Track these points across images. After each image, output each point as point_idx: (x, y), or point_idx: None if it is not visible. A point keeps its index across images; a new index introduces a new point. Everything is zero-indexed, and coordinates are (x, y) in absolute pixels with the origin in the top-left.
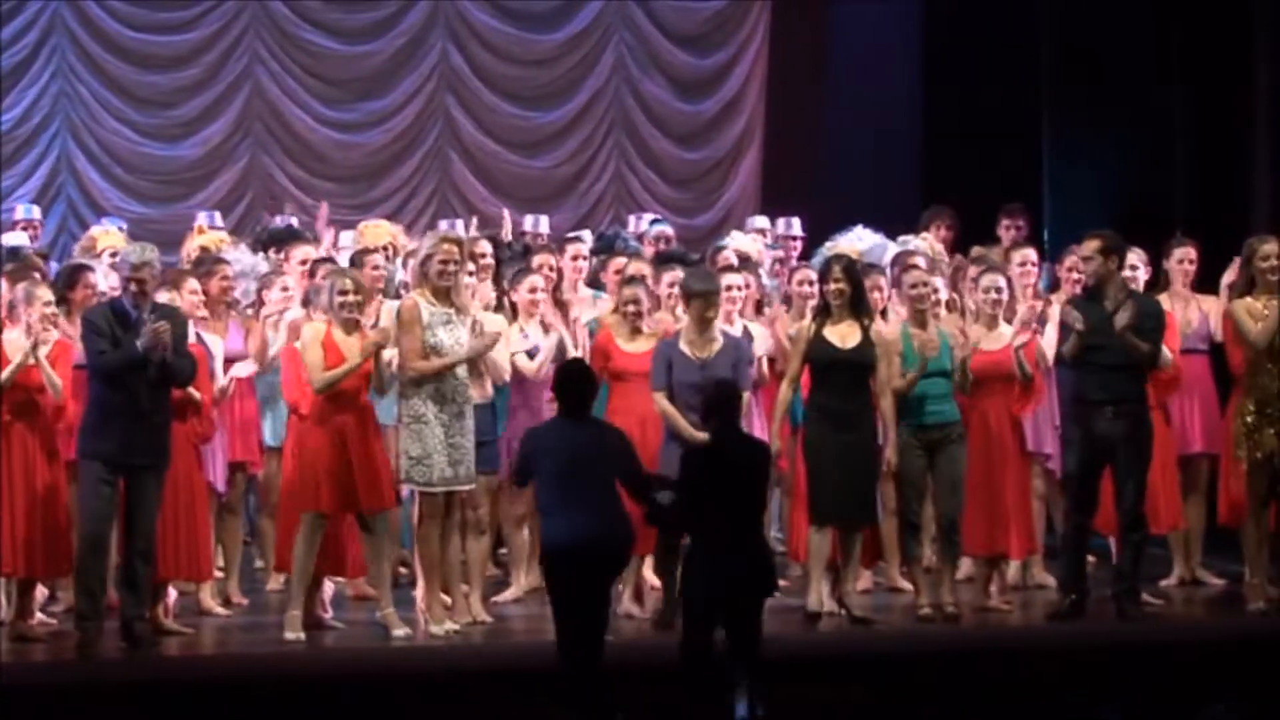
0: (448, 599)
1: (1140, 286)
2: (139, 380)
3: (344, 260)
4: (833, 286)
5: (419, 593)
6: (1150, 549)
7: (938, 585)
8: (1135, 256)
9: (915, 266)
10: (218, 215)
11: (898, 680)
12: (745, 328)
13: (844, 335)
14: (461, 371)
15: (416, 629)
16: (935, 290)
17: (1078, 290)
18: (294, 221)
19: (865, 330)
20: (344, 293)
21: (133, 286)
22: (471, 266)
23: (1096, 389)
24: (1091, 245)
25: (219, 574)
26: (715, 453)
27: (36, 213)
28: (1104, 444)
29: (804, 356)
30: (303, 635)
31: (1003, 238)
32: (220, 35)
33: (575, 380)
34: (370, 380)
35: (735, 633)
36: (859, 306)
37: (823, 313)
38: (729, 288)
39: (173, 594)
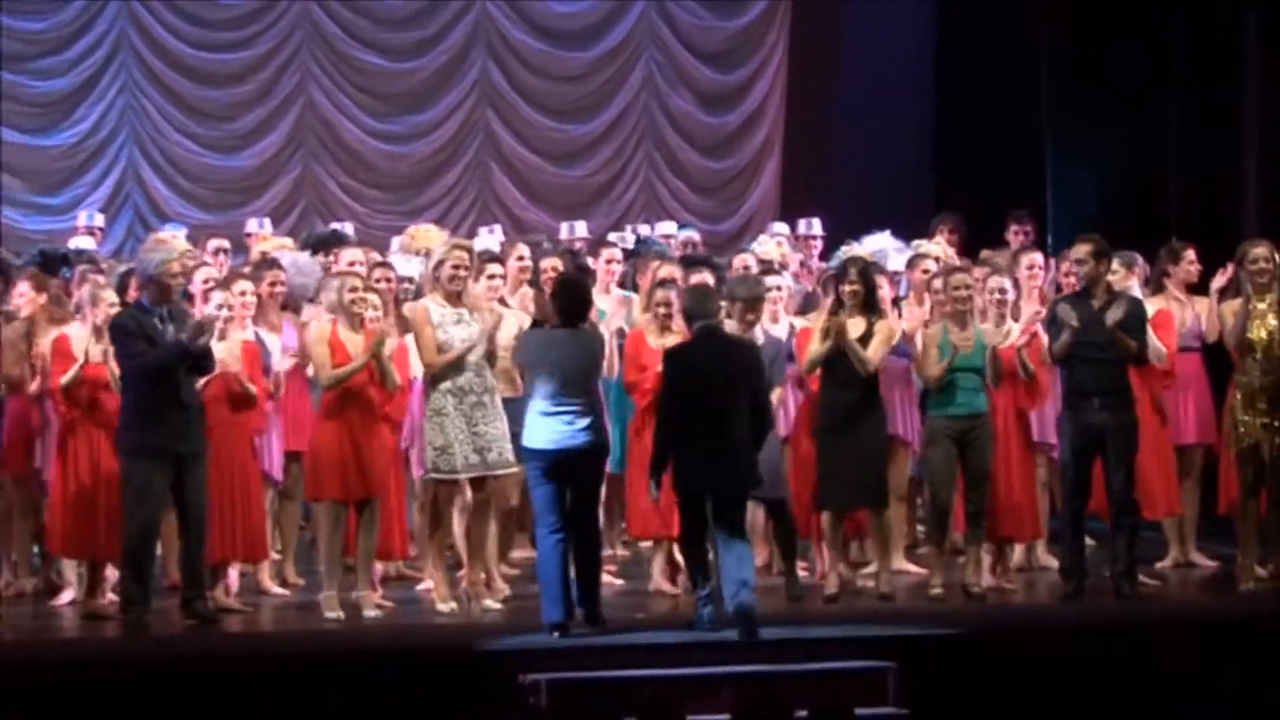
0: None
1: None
2: (179, 373)
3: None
4: (848, 287)
5: (461, 573)
6: (1145, 533)
7: (964, 568)
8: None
9: (959, 269)
10: (267, 222)
11: (922, 657)
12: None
13: (854, 329)
14: (475, 363)
15: (461, 607)
16: (969, 291)
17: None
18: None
19: (871, 326)
20: (353, 290)
21: (152, 287)
22: (498, 269)
23: (1085, 382)
24: (1083, 249)
25: (276, 556)
26: (696, 350)
27: (99, 219)
28: (1093, 433)
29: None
30: (342, 614)
31: (1011, 242)
32: (275, 53)
33: (570, 290)
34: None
35: (722, 524)
36: (869, 305)
37: (836, 310)
38: (771, 289)
39: (233, 574)
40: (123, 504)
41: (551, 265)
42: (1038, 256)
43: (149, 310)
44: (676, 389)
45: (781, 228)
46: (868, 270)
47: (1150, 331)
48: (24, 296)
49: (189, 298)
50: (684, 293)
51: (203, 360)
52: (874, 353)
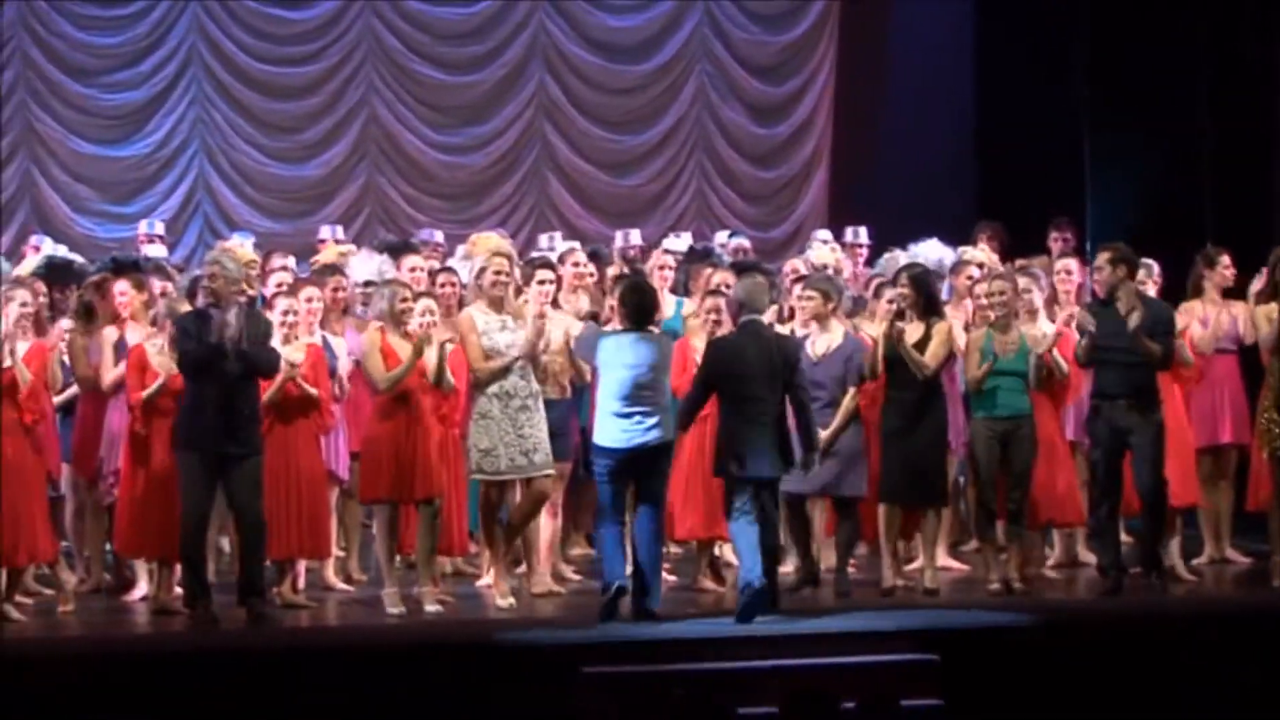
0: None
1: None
2: (223, 374)
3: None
4: (898, 293)
5: (521, 569)
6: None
7: (1006, 563)
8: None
9: (1000, 276)
10: (339, 229)
11: (968, 650)
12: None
13: (911, 335)
14: (521, 368)
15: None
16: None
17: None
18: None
19: (930, 329)
20: (404, 300)
21: (203, 289)
22: (548, 275)
23: (1112, 384)
24: (1102, 257)
25: (340, 553)
26: (740, 341)
27: (160, 227)
28: (1120, 434)
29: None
30: (403, 610)
31: (1052, 249)
32: (340, 67)
33: (638, 294)
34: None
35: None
36: (928, 309)
37: (896, 316)
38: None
39: (300, 571)
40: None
41: (575, 261)
42: (1071, 262)
43: (205, 313)
44: (714, 375)
45: (825, 234)
46: (922, 276)
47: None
48: (125, 295)
49: (264, 302)
50: (738, 285)
51: (250, 362)
52: (932, 356)
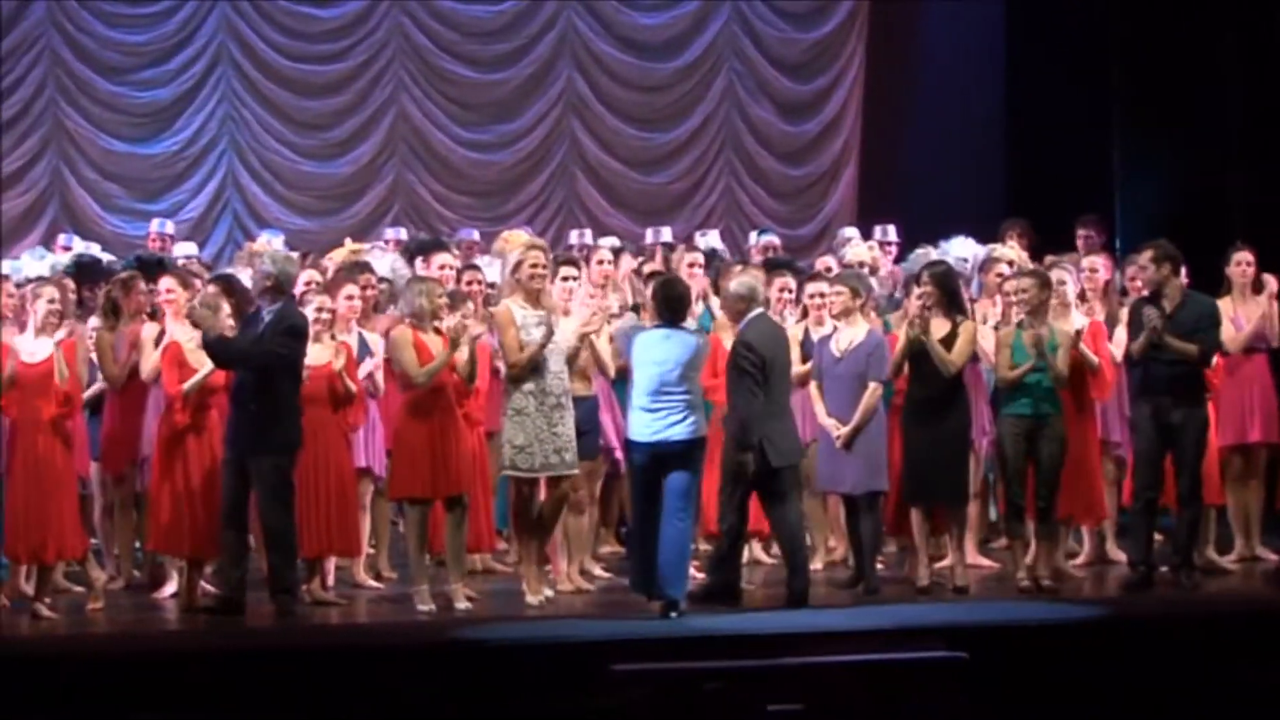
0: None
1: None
2: (240, 372)
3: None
4: (922, 290)
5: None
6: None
7: (1035, 560)
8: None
9: (1028, 273)
10: (401, 230)
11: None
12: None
13: (936, 329)
14: (557, 366)
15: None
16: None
17: (1144, 293)
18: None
19: (955, 327)
20: (440, 296)
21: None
22: (572, 271)
23: (1157, 381)
24: (1145, 255)
25: (370, 550)
26: (773, 331)
27: (170, 226)
28: (1166, 430)
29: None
30: (433, 606)
31: (1079, 246)
32: (369, 65)
33: (668, 291)
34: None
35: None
36: (952, 307)
37: (922, 313)
38: (815, 294)
39: (330, 568)
40: (268, 506)
41: (600, 259)
42: (1097, 259)
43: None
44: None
45: (852, 231)
46: (944, 274)
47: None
48: (172, 293)
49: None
50: (739, 279)
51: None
52: (958, 354)
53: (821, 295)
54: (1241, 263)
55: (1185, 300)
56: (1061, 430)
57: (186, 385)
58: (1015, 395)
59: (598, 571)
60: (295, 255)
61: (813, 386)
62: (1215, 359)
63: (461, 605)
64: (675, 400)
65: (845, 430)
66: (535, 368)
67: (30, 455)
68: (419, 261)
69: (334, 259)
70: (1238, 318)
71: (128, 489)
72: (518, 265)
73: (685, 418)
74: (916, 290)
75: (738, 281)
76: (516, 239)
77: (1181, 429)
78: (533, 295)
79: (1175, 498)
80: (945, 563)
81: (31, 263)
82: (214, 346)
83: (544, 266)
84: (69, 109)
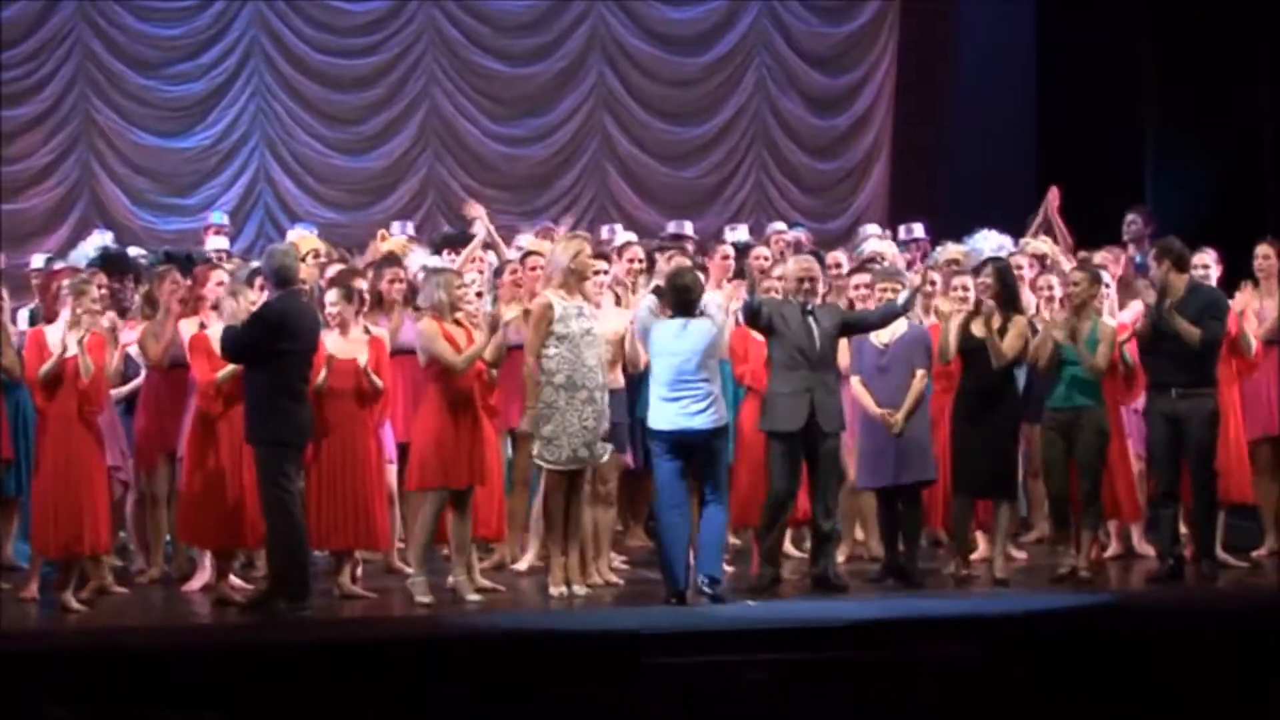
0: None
1: (1214, 283)
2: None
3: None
4: (981, 282)
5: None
6: (1243, 522)
7: (1076, 552)
8: (1208, 257)
9: (1084, 268)
10: (410, 225)
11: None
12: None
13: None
14: (592, 359)
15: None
16: (1051, 291)
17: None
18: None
19: (1007, 321)
20: (460, 288)
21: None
22: (602, 265)
23: (1164, 374)
24: (1151, 254)
25: (400, 544)
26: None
27: (224, 218)
28: (1173, 421)
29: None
30: (432, 598)
31: (1126, 233)
32: (401, 59)
33: (678, 283)
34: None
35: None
36: (1009, 303)
37: (974, 307)
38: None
39: (357, 560)
40: (269, 498)
41: (631, 255)
42: (1106, 255)
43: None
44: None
45: (873, 229)
46: (1008, 269)
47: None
48: (223, 285)
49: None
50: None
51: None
52: (1009, 347)
53: (868, 287)
54: (1260, 255)
55: (1190, 293)
56: (1100, 421)
57: (220, 375)
58: (1052, 389)
59: (617, 563)
60: (322, 242)
61: (855, 381)
62: (1256, 348)
63: (472, 597)
64: (695, 389)
65: (899, 415)
66: (569, 358)
67: (61, 449)
68: (445, 254)
69: (385, 248)
70: (1262, 310)
71: (160, 483)
72: (576, 255)
73: (706, 407)
74: (961, 280)
75: (794, 263)
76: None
77: (1186, 418)
78: (575, 289)
79: (1188, 487)
80: (978, 555)
81: (91, 252)
82: (221, 336)
83: (588, 256)
84: (100, 103)
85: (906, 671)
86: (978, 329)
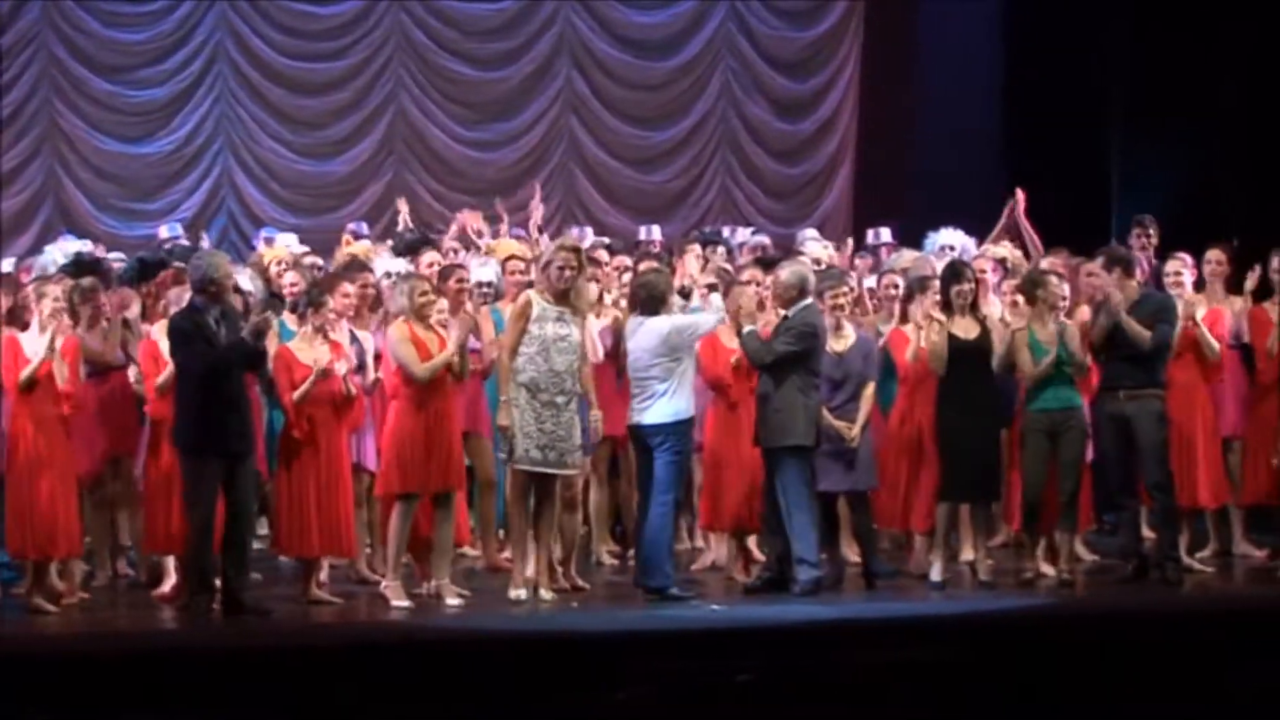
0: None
1: (1189, 289)
2: (234, 373)
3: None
4: (965, 286)
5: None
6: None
7: (1056, 556)
8: (1180, 264)
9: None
10: (364, 225)
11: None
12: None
13: (966, 328)
14: (561, 365)
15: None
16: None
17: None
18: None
19: (983, 323)
20: (424, 294)
21: (211, 290)
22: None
23: (1112, 377)
24: (1097, 262)
25: (368, 550)
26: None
27: (180, 229)
28: (1122, 424)
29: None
30: (409, 603)
31: (1133, 245)
32: (367, 63)
33: (644, 285)
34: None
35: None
36: (977, 304)
37: (946, 310)
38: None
39: (324, 565)
40: (184, 502)
41: (610, 260)
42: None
43: (202, 311)
44: (808, 350)
45: (812, 233)
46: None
47: (1204, 328)
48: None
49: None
50: (790, 269)
51: (256, 360)
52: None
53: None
54: (1211, 260)
55: (1142, 298)
56: (1084, 422)
57: (158, 381)
58: (1036, 391)
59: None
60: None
61: None
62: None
63: (452, 601)
64: (648, 384)
65: (855, 429)
66: (539, 359)
67: (34, 453)
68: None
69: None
70: (1220, 314)
71: (103, 487)
72: (548, 263)
73: (654, 403)
74: (956, 287)
75: (790, 271)
76: (506, 248)
77: (1134, 421)
78: (560, 293)
79: (1144, 490)
80: (962, 558)
81: (59, 258)
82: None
83: (574, 267)
84: (64, 108)
85: (889, 674)
86: (958, 330)
